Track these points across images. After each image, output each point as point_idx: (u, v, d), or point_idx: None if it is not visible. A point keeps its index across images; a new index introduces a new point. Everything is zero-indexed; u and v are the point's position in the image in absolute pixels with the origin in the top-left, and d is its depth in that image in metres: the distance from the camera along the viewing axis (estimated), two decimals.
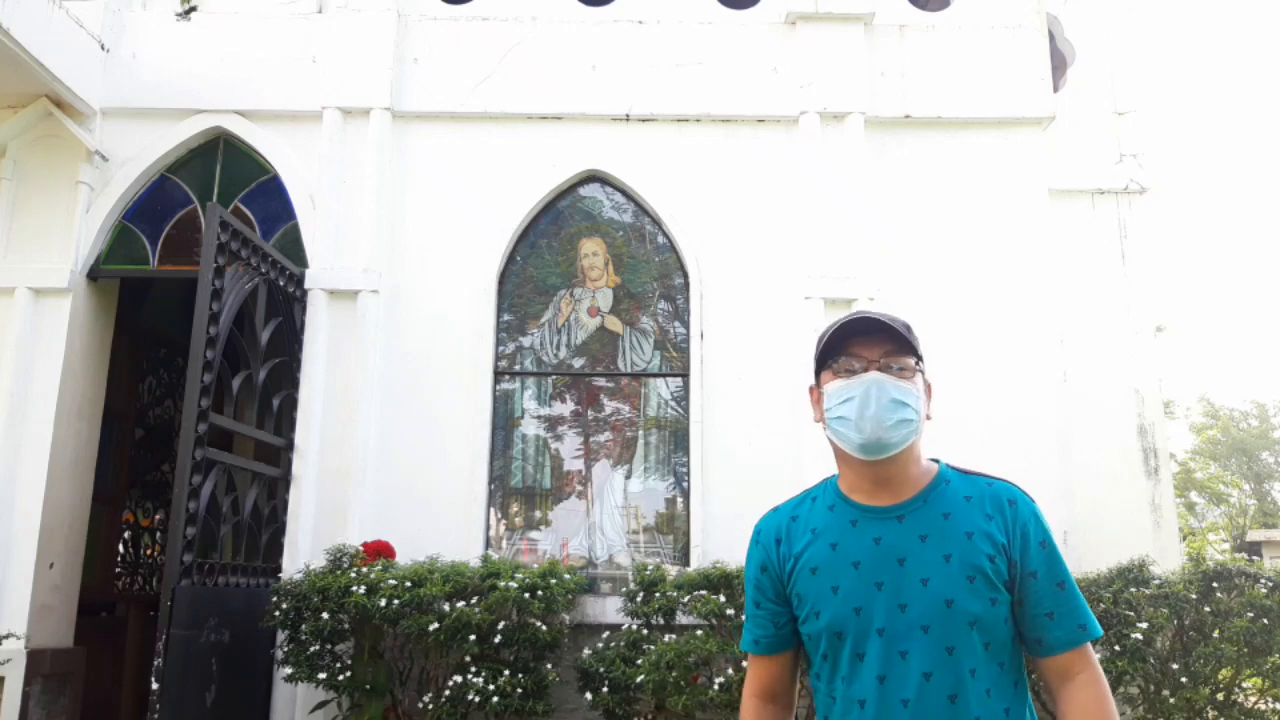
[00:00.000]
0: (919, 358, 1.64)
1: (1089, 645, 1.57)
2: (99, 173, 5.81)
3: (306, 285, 5.58)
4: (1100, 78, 6.94)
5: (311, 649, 4.53)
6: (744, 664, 4.38)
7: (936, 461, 1.71)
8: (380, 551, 4.89)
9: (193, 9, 6.06)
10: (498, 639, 4.45)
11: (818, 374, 1.69)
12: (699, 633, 4.58)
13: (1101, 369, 6.29)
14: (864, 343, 1.62)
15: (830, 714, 1.64)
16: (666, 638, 4.60)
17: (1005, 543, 1.56)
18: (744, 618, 1.82)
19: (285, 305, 5.55)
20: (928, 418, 1.66)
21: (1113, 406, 6.31)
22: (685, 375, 5.66)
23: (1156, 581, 4.74)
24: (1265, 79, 58.70)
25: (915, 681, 1.51)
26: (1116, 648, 4.54)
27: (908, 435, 1.59)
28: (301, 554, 5.16)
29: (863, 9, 5.96)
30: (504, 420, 5.68)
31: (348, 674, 4.56)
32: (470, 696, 4.36)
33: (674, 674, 4.36)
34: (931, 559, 1.55)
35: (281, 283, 5.48)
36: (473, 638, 4.43)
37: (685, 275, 5.80)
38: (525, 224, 5.86)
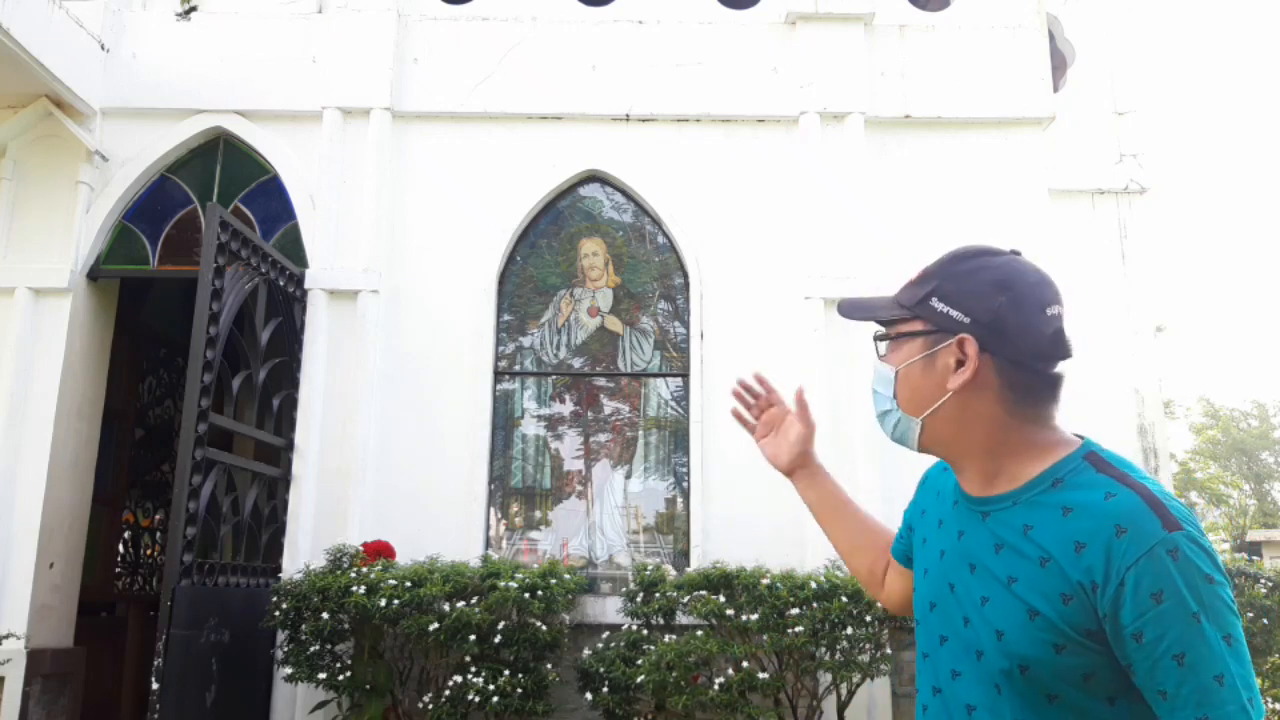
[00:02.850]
0: (913, 314, 1.28)
1: None
2: (99, 173, 5.81)
3: (306, 285, 5.58)
4: (1100, 78, 6.94)
5: (311, 649, 4.53)
6: (744, 664, 4.40)
7: (1081, 438, 1.27)
8: (380, 551, 4.89)
9: (193, 9, 6.06)
10: (498, 639, 4.45)
11: None
12: (699, 633, 4.58)
13: (1101, 369, 6.28)
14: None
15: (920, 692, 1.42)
16: (666, 638, 4.60)
17: (1088, 584, 1.13)
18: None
19: (285, 305, 5.54)
20: (948, 389, 1.25)
21: (1113, 406, 6.31)
22: (685, 375, 5.66)
23: None
24: (1265, 79, 58.71)
25: (960, 711, 1.25)
26: None
27: (904, 429, 1.29)
28: (301, 554, 5.16)
29: (863, 9, 5.96)
30: (504, 420, 5.68)
31: (348, 674, 4.56)
32: (470, 696, 4.36)
33: (674, 674, 4.36)
34: (996, 576, 1.22)
35: (281, 283, 5.48)
36: (473, 638, 4.43)
37: (685, 275, 5.80)
38: (525, 224, 5.86)
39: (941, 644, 1.29)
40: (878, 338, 1.34)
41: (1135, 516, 1.12)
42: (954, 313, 1.24)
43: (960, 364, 1.24)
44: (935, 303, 1.25)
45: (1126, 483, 1.17)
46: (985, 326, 1.23)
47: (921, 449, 1.31)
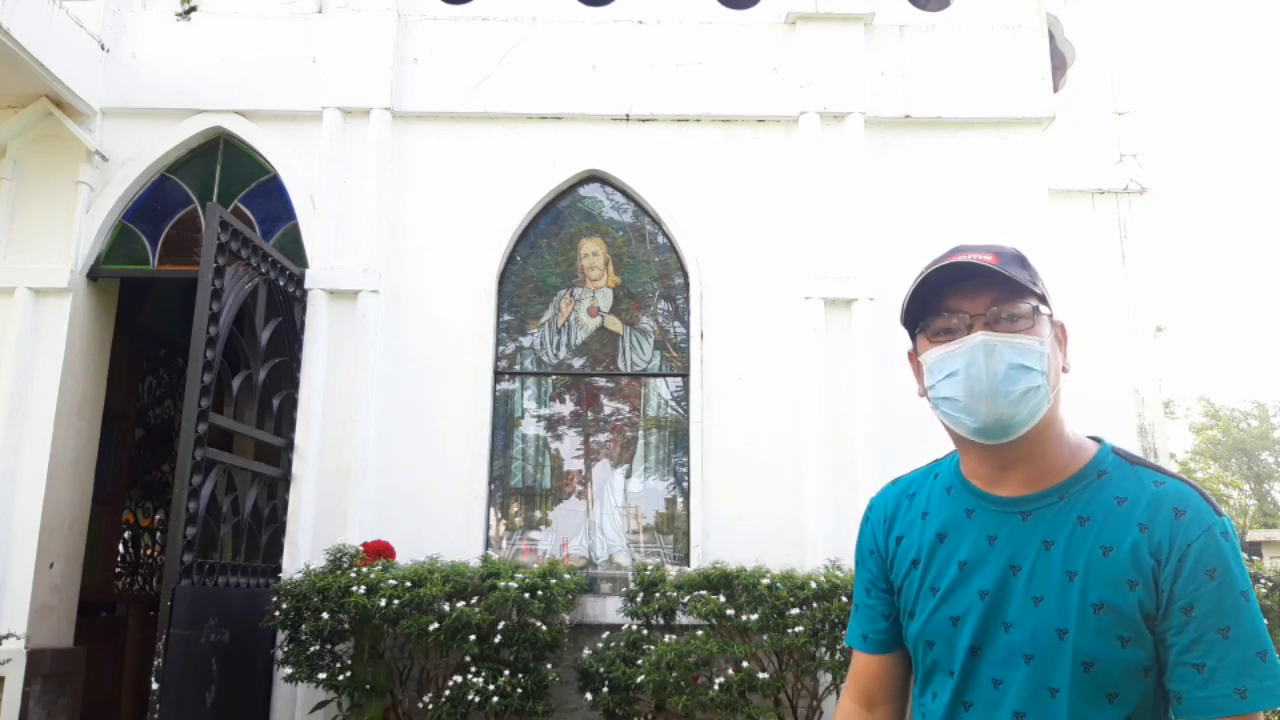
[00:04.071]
0: (1040, 296, 1.26)
1: None
2: (99, 173, 5.81)
3: (306, 285, 5.58)
4: (1100, 78, 6.93)
5: (311, 649, 4.53)
6: (744, 664, 4.39)
7: (1098, 441, 1.31)
8: (380, 551, 4.89)
9: (193, 9, 6.06)
10: (498, 639, 4.45)
11: (913, 336, 1.34)
12: (699, 633, 4.57)
13: (1101, 369, 6.28)
14: (963, 292, 1.25)
15: None
16: (666, 638, 4.60)
17: (1154, 565, 1.17)
18: (852, 607, 1.51)
19: (285, 305, 5.54)
20: (1065, 370, 1.30)
21: (1113, 406, 6.30)
22: (685, 375, 5.66)
23: None
24: (1265, 79, 58.73)
25: (1002, 718, 1.24)
26: None
27: (1036, 408, 1.22)
28: (301, 554, 5.16)
29: (863, 9, 5.96)
30: (504, 420, 5.68)
31: (348, 674, 4.56)
32: (470, 696, 4.36)
33: (674, 674, 4.36)
34: (1052, 574, 1.21)
35: (281, 283, 5.48)
36: (473, 638, 4.43)
37: (685, 275, 5.80)
38: (525, 224, 5.86)
39: (973, 656, 1.26)
40: (1008, 317, 1.24)
41: (1189, 501, 1.19)
42: (1049, 299, 1.29)
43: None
44: (1043, 285, 1.29)
45: (1166, 473, 1.25)
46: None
47: (1026, 432, 1.24)
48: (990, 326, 1.23)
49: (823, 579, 4.61)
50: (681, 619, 4.69)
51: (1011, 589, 1.24)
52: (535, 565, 4.89)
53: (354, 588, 4.50)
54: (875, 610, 1.44)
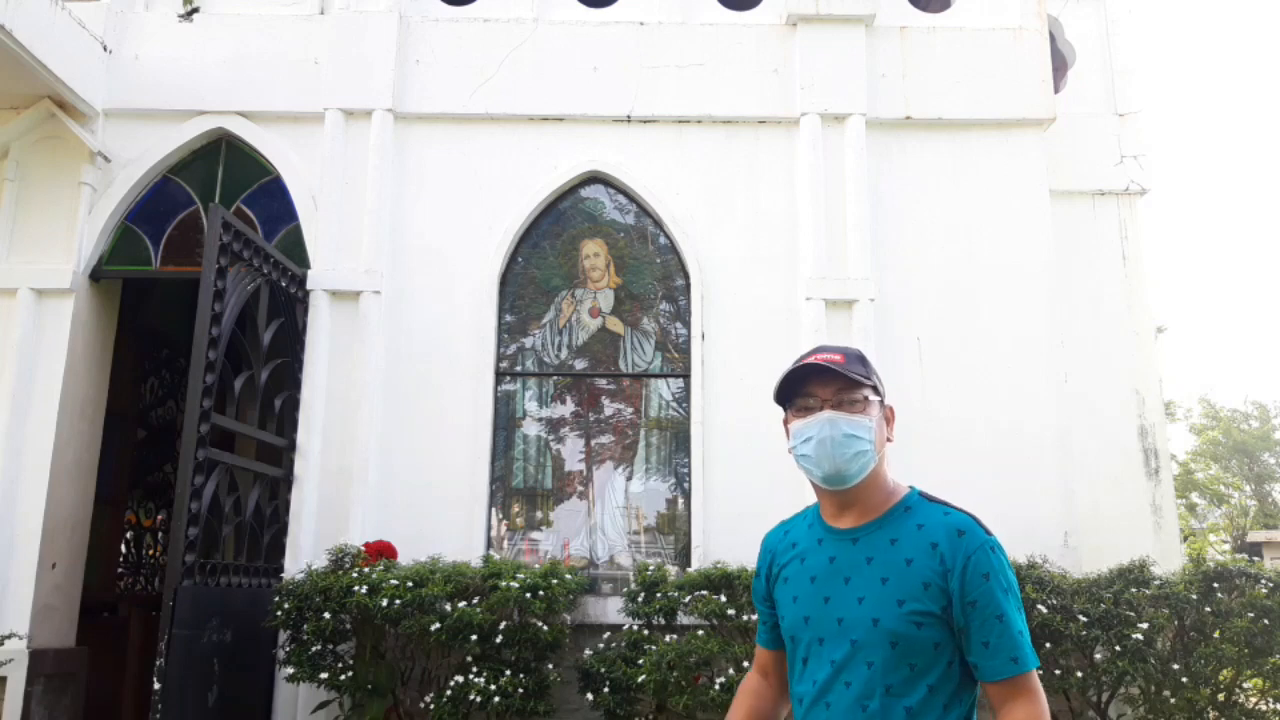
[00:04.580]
0: (874, 387, 1.75)
1: (1027, 676, 1.64)
2: (101, 174, 5.82)
3: (308, 286, 5.59)
4: (1101, 79, 6.93)
5: (313, 649, 4.54)
6: (745, 664, 4.41)
7: (911, 487, 1.82)
8: (382, 552, 4.90)
9: (195, 10, 6.07)
10: (499, 639, 4.46)
11: (784, 409, 1.82)
12: (700, 633, 4.58)
13: (1102, 370, 6.28)
14: (817, 381, 1.74)
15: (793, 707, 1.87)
16: (668, 638, 4.61)
17: (943, 571, 1.65)
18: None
19: (287, 306, 5.55)
20: (889, 440, 1.79)
21: (1113, 407, 6.31)
22: (686, 376, 5.67)
23: (1157, 582, 4.76)
24: (1265, 79, 58.72)
25: (838, 687, 1.68)
26: (1118, 648, 4.56)
27: (864, 465, 1.72)
28: (303, 554, 5.17)
29: (863, 10, 5.97)
30: (505, 421, 5.69)
31: (349, 674, 4.57)
32: (472, 696, 4.37)
33: (675, 674, 4.37)
34: (871, 580, 1.69)
35: (283, 284, 5.49)
36: (474, 638, 4.44)
37: (686, 276, 5.81)
38: (527, 225, 5.87)
39: (820, 644, 1.72)
40: (848, 401, 1.72)
41: (967, 525, 1.70)
42: (881, 388, 1.78)
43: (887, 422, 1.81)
44: (876, 379, 1.77)
45: (953, 507, 1.76)
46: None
47: (857, 482, 1.73)
48: (835, 407, 1.72)
49: None
50: (682, 619, 4.70)
51: (844, 594, 1.71)
52: (536, 565, 4.90)
53: (356, 588, 4.51)
54: (763, 619, 1.94)
